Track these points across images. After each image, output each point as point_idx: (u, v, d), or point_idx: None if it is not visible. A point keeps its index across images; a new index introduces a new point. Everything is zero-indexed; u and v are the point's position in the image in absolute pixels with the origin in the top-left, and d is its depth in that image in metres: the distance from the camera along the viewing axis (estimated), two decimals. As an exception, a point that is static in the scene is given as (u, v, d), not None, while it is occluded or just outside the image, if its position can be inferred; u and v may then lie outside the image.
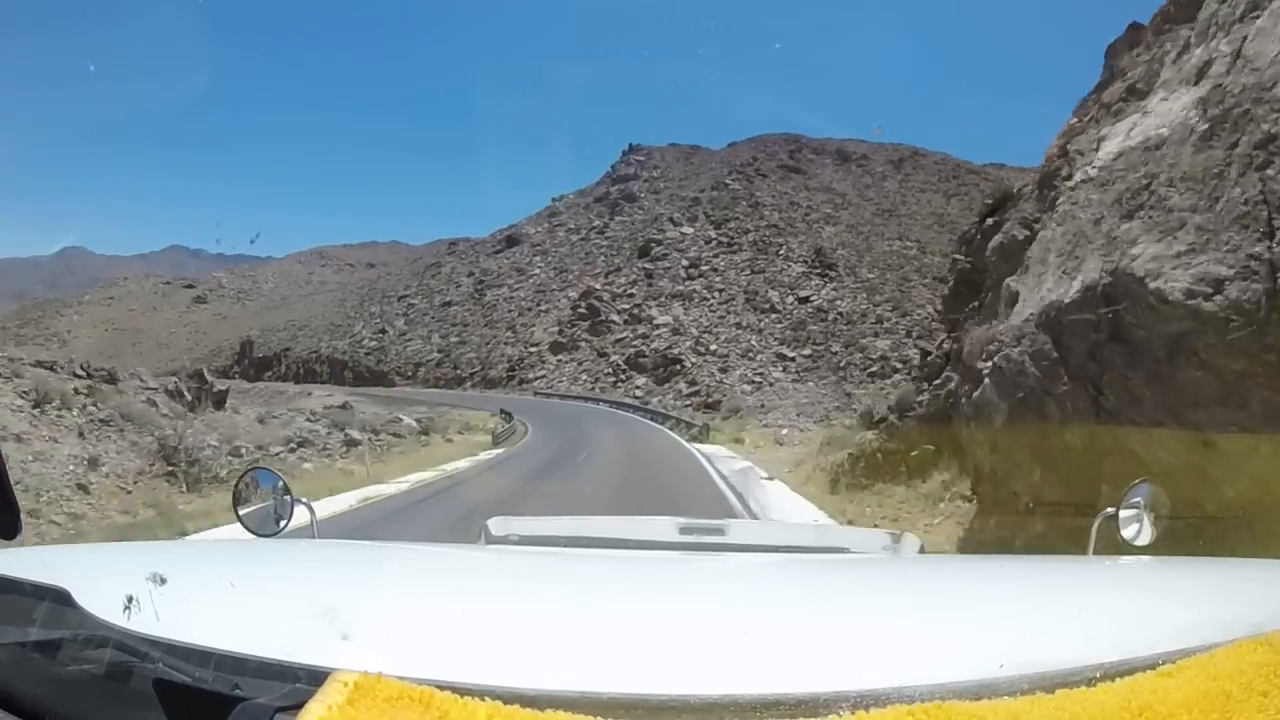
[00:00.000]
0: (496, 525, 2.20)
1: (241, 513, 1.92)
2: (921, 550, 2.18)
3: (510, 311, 78.50)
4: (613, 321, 61.76)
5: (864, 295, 59.43)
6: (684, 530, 2.18)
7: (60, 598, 0.89)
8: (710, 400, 46.81)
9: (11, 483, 1.14)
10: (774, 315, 59.22)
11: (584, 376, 57.11)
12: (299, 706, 0.67)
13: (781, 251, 67.45)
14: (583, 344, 61.66)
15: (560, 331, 64.91)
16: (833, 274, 63.06)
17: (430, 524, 11.90)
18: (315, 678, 0.72)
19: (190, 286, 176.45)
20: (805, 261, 65.46)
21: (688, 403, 46.84)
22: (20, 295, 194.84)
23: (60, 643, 0.87)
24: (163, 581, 0.98)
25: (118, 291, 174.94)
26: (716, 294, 63.24)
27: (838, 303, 58.97)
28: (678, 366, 52.51)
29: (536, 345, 66.60)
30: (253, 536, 1.89)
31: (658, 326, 58.73)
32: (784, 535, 2.66)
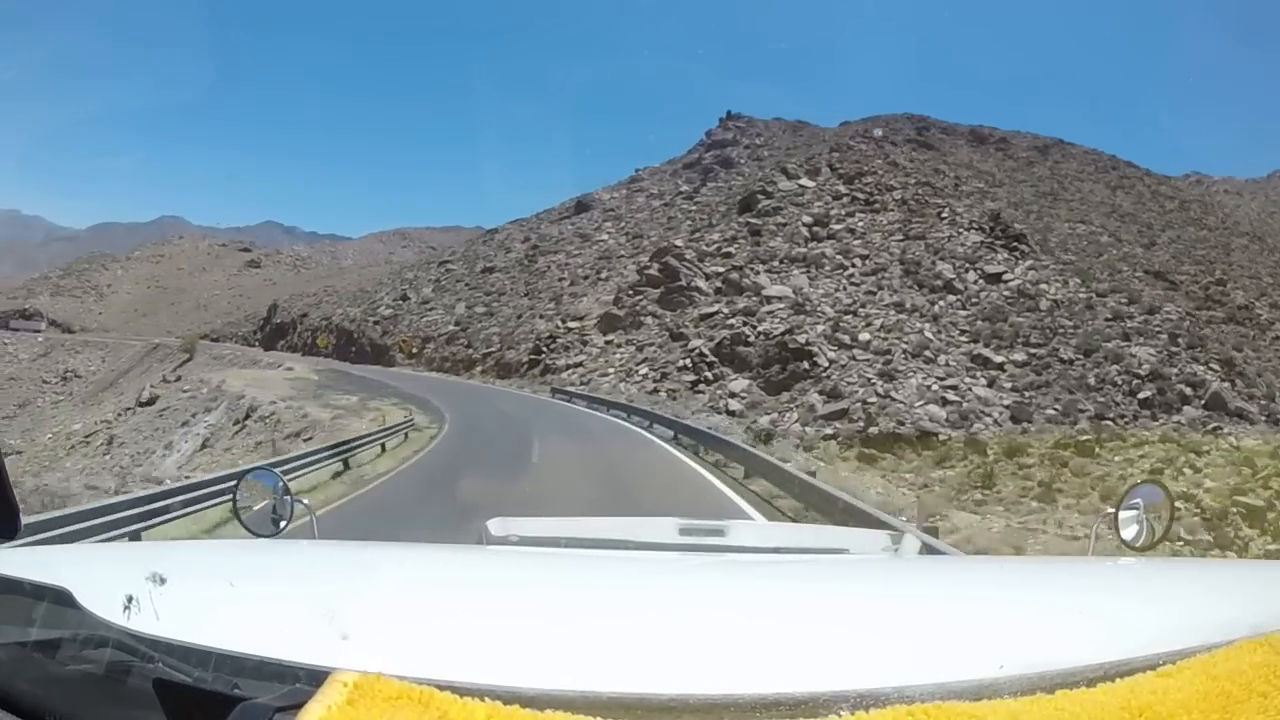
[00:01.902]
0: (496, 526, 2.15)
1: (241, 513, 2.02)
2: (922, 551, 2.26)
3: (561, 279, 63.29)
4: (697, 290, 40.48)
5: (1076, 280, 42.36)
6: (684, 531, 2.15)
7: (60, 597, 0.89)
8: (870, 429, 25.38)
9: (11, 482, 1.09)
10: (952, 296, 39.53)
11: (643, 369, 36.38)
12: (299, 706, 0.67)
13: (944, 215, 48.72)
14: (647, 319, 40.66)
15: (617, 301, 43.10)
16: (1023, 248, 45.01)
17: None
18: (315, 678, 0.72)
19: (246, 250, 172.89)
20: (980, 229, 46.62)
21: (828, 429, 26.39)
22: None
23: (60, 642, 0.88)
24: (163, 581, 0.97)
25: (170, 250, 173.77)
26: (857, 261, 43.36)
27: (1043, 286, 39.94)
28: (804, 365, 29.59)
29: (580, 320, 45.14)
30: (253, 536, 1.91)
31: (769, 300, 37.50)
32: (784, 536, 2.67)
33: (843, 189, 52.89)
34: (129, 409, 47.97)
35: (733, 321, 36.69)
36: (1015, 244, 44.88)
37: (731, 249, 45.54)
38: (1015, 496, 19.03)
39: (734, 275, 41.50)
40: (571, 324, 46.64)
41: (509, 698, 0.70)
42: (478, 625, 1.00)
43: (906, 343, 33.81)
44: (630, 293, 45.13)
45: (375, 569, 1.51)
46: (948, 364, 33.22)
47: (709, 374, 33.07)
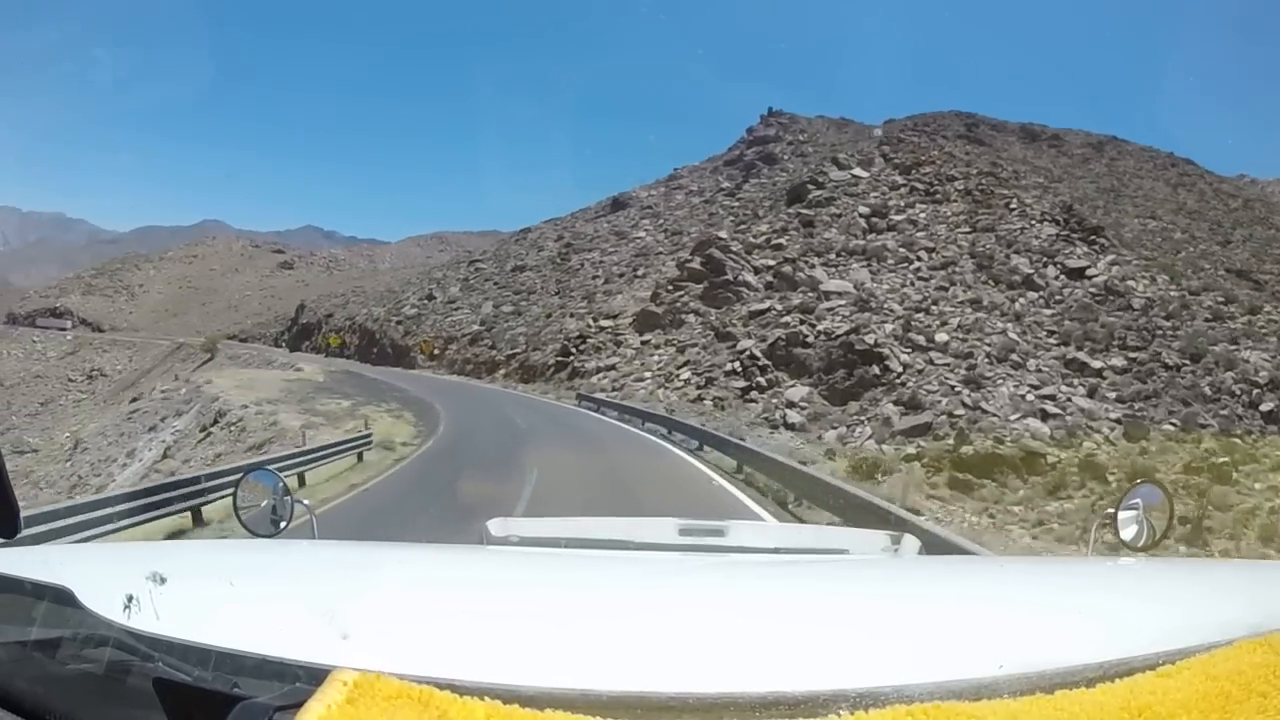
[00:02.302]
0: (496, 526, 2.16)
1: (242, 513, 1.97)
2: (921, 551, 2.17)
3: (595, 277, 59.53)
4: (745, 284, 36.09)
5: (1164, 278, 37.92)
6: (684, 531, 2.15)
7: (61, 597, 0.89)
8: (962, 448, 20.61)
9: (11, 482, 1.09)
10: (1032, 293, 35.69)
11: (685, 374, 32.05)
12: (298, 705, 0.67)
13: (1013, 206, 44.69)
14: (689, 317, 36.19)
15: (655, 298, 38.94)
16: (1102, 241, 40.94)
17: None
18: (315, 677, 0.72)
19: (279, 252, 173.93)
20: (1054, 220, 42.69)
21: (909, 446, 21.96)
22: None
23: (60, 641, 0.88)
24: (163, 581, 0.97)
25: (203, 250, 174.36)
26: (923, 254, 39.34)
27: (1130, 283, 35.96)
28: (874, 369, 25.39)
29: (614, 318, 41.00)
30: (253, 536, 1.91)
31: (828, 296, 32.57)
32: (784, 536, 2.67)
33: (899, 179, 49.05)
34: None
35: (788, 320, 31.85)
36: (1093, 237, 40.87)
37: (782, 240, 41.27)
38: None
39: (786, 269, 37.08)
40: (604, 322, 42.50)
41: (509, 697, 0.70)
42: (477, 625, 0.99)
43: (989, 344, 29.49)
44: (670, 288, 40.61)
45: (375, 569, 1.51)
46: (1039, 369, 28.93)
47: (761, 379, 28.71)
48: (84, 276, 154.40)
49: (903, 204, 45.03)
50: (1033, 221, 42.47)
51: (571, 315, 49.96)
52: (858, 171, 50.08)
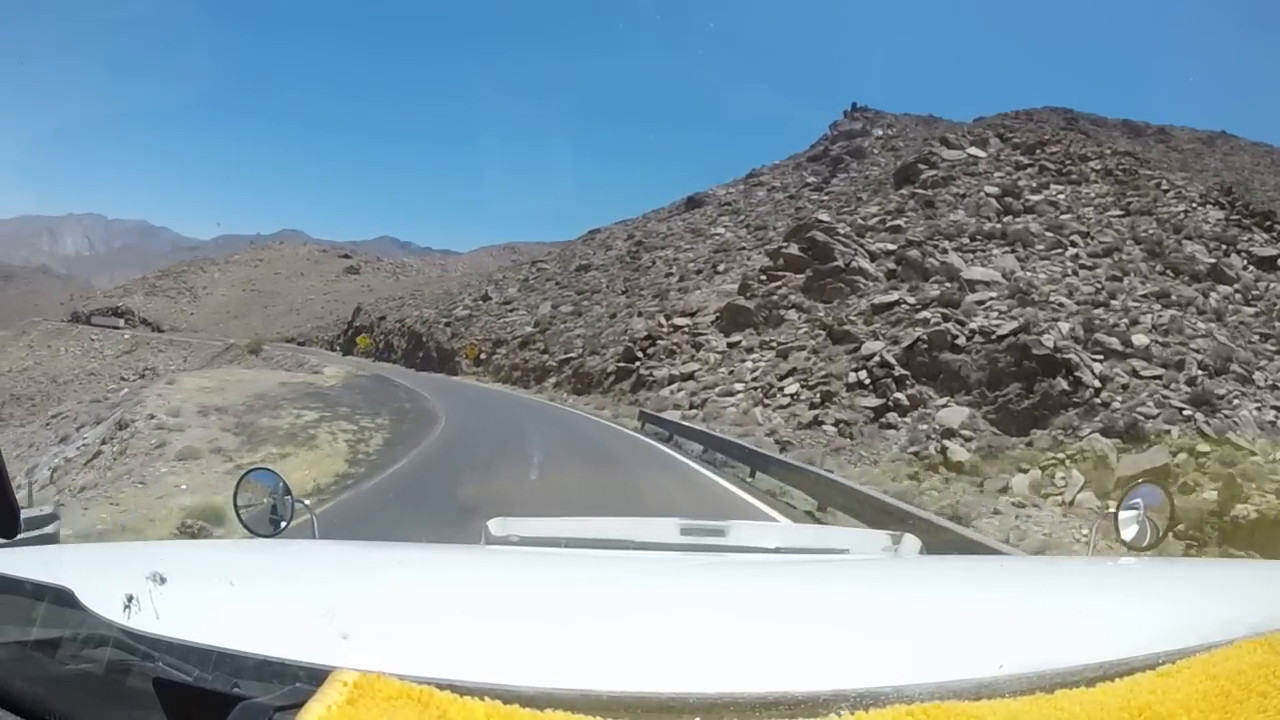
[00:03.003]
0: (496, 526, 2.16)
1: (242, 512, 1.94)
2: (922, 551, 2.16)
3: (669, 275, 51.89)
4: (861, 272, 28.94)
5: None
6: (685, 531, 2.15)
7: (61, 597, 0.89)
8: (1232, 508, 12.17)
9: (11, 481, 1.10)
10: (1224, 286, 28.36)
11: (792, 386, 24.51)
12: (299, 705, 0.67)
13: (1165, 187, 37.80)
14: (789, 313, 29.08)
15: (744, 290, 31.86)
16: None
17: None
18: (315, 677, 0.72)
19: (346, 257, 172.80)
20: (1217, 204, 35.97)
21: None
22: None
23: (61, 641, 0.88)
24: (163, 581, 0.97)
25: (269, 254, 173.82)
26: (1077, 240, 31.55)
27: None
28: (1060, 382, 17.74)
29: (691, 315, 33.83)
30: (253, 536, 1.89)
31: (973, 286, 24.73)
32: (784, 536, 2.63)
33: (1023, 159, 42.17)
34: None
35: (926, 315, 24.15)
36: (1270, 223, 34.16)
37: (899, 222, 33.70)
38: None
39: (912, 253, 29.42)
40: (679, 320, 34.64)
41: (509, 697, 0.70)
42: (478, 625, 1.00)
43: (1197, 350, 21.77)
44: (762, 278, 32.93)
45: (375, 569, 1.51)
46: (1273, 385, 21.06)
47: (900, 395, 20.92)
48: (149, 278, 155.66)
49: (1034, 184, 37.73)
50: (1194, 205, 35.50)
51: (640, 314, 42.43)
52: (974, 151, 42.82)
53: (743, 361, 27.96)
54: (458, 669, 0.76)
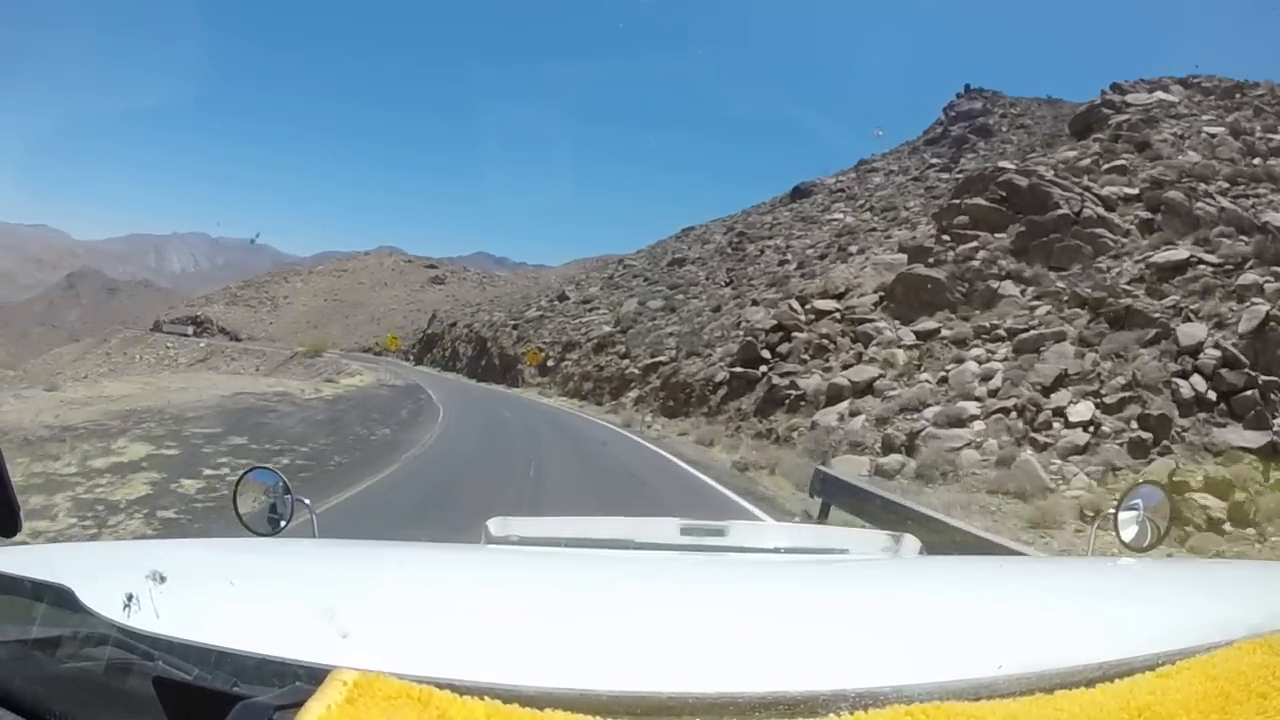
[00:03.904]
0: (496, 526, 2.12)
1: (242, 512, 1.91)
2: (921, 552, 2.14)
3: (783, 262, 42.99)
4: (1102, 223, 17.64)
5: None
6: (685, 531, 2.11)
7: (61, 596, 0.88)
8: None
9: (11, 481, 1.10)
10: None
11: (1082, 407, 13.38)
12: (298, 705, 0.67)
13: None
14: (1004, 284, 18.77)
15: (923, 257, 20.85)
16: None
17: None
18: (315, 676, 0.71)
19: (432, 267, 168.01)
20: None
21: None
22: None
23: (61, 640, 0.87)
24: (163, 580, 0.96)
25: (353, 265, 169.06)
26: None
27: None
28: None
29: (839, 298, 22.99)
30: (253, 536, 1.87)
31: None
32: (784, 537, 2.59)
33: (1225, 102, 33.60)
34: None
35: (1251, 279, 14.73)
36: None
37: (1120, 162, 23.31)
38: None
39: (1174, 196, 19.05)
40: (822, 304, 23.19)
41: (508, 696, 0.69)
42: (477, 624, 0.98)
43: None
44: (942, 239, 22.50)
45: (375, 568, 1.50)
46: None
47: None
48: (231, 288, 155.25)
49: (1261, 125, 28.02)
50: None
51: (756, 303, 32.59)
52: (1163, 95, 34.19)
53: (960, 362, 16.83)
54: (458, 669, 0.75)
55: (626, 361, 35.54)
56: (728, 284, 42.23)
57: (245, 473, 2.03)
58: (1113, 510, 1.83)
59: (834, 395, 18.54)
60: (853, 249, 37.63)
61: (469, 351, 58.87)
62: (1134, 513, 1.79)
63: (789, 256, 43.59)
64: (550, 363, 44.03)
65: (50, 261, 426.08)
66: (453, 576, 1.43)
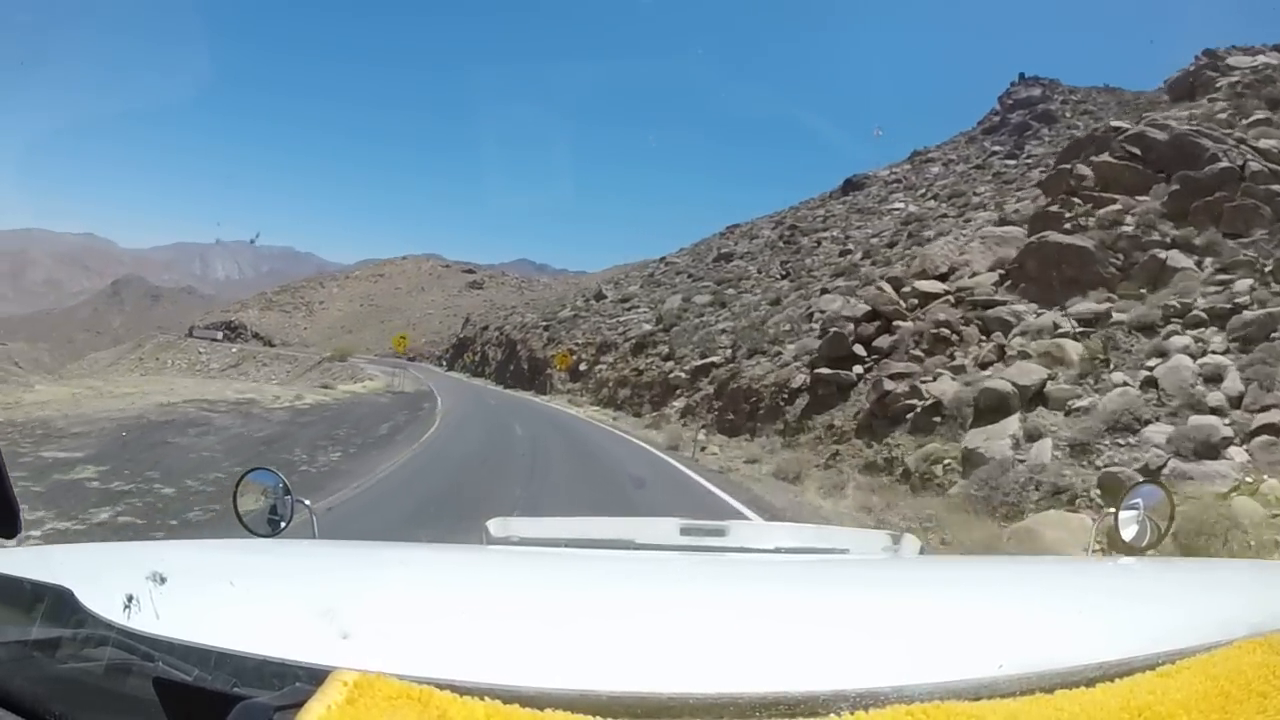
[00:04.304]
0: (496, 526, 2.11)
1: (242, 512, 1.91)
2: (922, 551, 2.12)
3: (846, 252, 38.29)
4: (1275, 178, 12.10)
5: None
6: (685, 531, 2.10)
7: (60, 596, 0.88)
8: None
9: (11, 481, 1.10)
10: None
11: None
12: (299, 705, 0.66)
13: None
14: (1172, 255, 13.15)
15: (1053, 223, 16.10)
16: None
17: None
18: (315, 677, 0.71)
19: (469, 271, 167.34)
20: None
21: None
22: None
23: (60, 641, 0.87)
24: (163, 580, 0.96)
25: (390, 269, 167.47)
26: None
27: None
28: None
29: (944, 279, 18.10)
30: (253, 536, 1.86)
31: None
32: (784, 537, 2.51)
33: None
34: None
35: None
36: None
37: (1259, 117, 18.40)
38: None
39: None
40: (925, 285, 17.94)
41: (508, 697, 0.69)
42: (478, 624, 0.98)
43: None
44: (1071, 201, 17.15)
45: (375, 568, 1.49)
46: None
47: None
48: (266, 293, 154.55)
49: None
50: None
51: (825, 292, 27.60)
52: (1268, 59, 28.35)
53: (1162, 356, 11.92)
54: (458, 669, 0.75)
55: (671, 364, 30.29)
56: (784, 276, 37.41)
57: (245, 474, 1.99)
58: (1113, 510, 1.81)
59: (990, 406, 12.69)
60: (928, 234, 33.09)
61: (498, 356, 55.67)
62: (1134, 512, 1.77)
63: (850, 246, 38.73)
64: (583, 366, 39.42)
65: (97, 269, 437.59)
66: (453, 577, 1.43)
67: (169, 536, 8.88)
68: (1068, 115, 60.52)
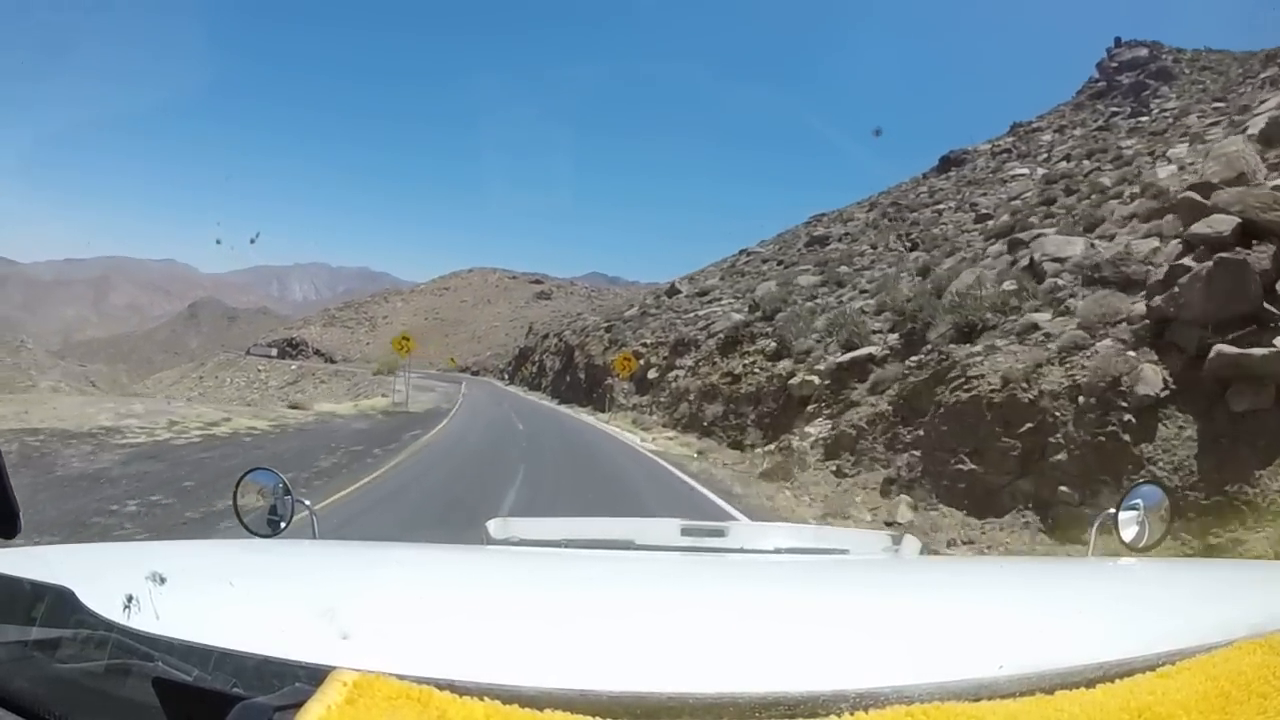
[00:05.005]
0: (496, 527, 2.10)
1: (242, 513, 1.91)
2: (922, 552, 2.10)
3: (982, 220, 31.21)
4: None
5: None
6: (685, 532, 2.08)
7: (60, 596, 0.88)
8: None
9: (11, 482, 1.10)
10: None
11: None
12: (298, 705, 0.66)
13: None
14: None
15: None
16: None
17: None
18: (315, 677, 0.71)
19: (537, 282, 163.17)
20: None
21: None
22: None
23: (60, 641, 0.87)
24: (163, 580, 0.96)
25: (456, 282, 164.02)
26: None
27: None
28: None
29: None
30: (253, 536, 1.86)
31: None
32: (785, 537, 2.45)
33: None
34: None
35: None
36: None
37: None
38: None
39: None
40: None
41: (508, 697, 0.69)
42: (477, 624, 0.98)
43: None
44: None
45: (375, 568, 1.48)
46: None
47: None
48: (330, 309, 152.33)
49: None
50: None
51: (1038, 237, 17.66)
52: None
53: None
54: (457, 669, 0.74)
55: (786, 364, 19.70)
56: (911, 247, 30.31)
57: (245, 474, 1.98)
58: (1113, 510, 1.79)
59: None
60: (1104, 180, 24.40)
61: (555, 365, 49.42)
62: (1134, 513, 1.75)
63: (991, 211, 31.60)
64: (652, 373, 30.67)
65: (178, 294, 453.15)
66: (453, 577, 1.42)
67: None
68: (1188, 72, 56.29)
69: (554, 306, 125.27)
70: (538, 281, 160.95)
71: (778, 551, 2.03)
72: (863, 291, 23.64)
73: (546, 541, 2.00)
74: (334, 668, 0.69)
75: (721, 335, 25.77)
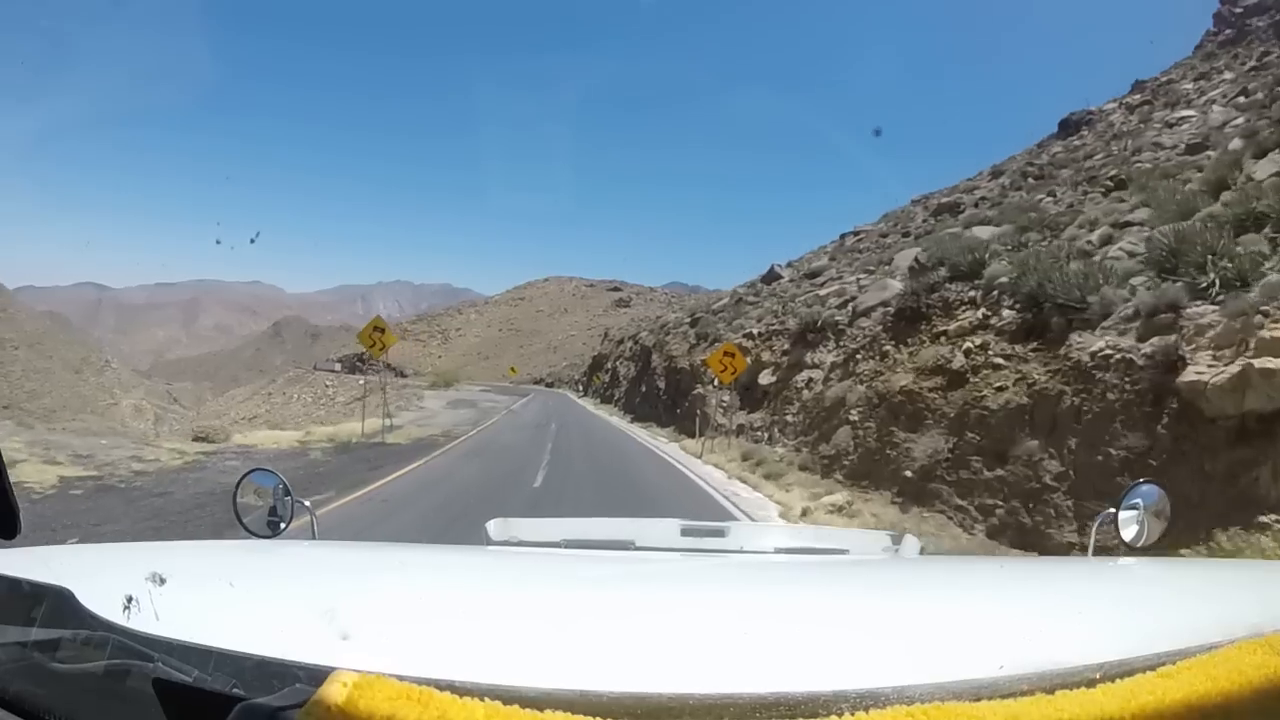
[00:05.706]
0: (496, 527, 2.13)
1: (242, 513, 1.91)
2: (922, 552, 2.13)
3: (1159, 156, 22.12)
4: None
5: None
6: (685, 532, 2.11)
7: (60, 597, 0.89)
8: None
9: (10, 482, 1.10)
10: None
11: None
12: (298, 706, 0.67)
13: None
14: None
15: None
16: None
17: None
18: (315, 677, 0.72)
19: (616, 289, 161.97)
20: None
21: None
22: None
23: (60, 642, 0.88)
24: (163, 581, 0.97)
25: (530, 292, 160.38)
26: None
27: None
28: None
29: None
30: (253, 537, 1.87)
31: None
32: (785, 537, 2.55)
33: None
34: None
35: None
36: None
37: None
38: None
39: None
40: None
41: (509, 697, 0.69)
42: (478, 625, 0.99)
43: None
44: None
45: (375, 569, 1.49)
46: None
47: None
48: (403, 323, 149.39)
49: None
50: None
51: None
52: None
53: None
54: (458, 669, 0.75)
55: (1087, 339, 9.54)
56: (1112, 188, 20.39)
57: (245, 475, 1.99)
58: (1113, 510, 1.79)
59: None
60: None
61: (629, 372, 41.72)
62: (1134, 512, 1.76)
63: (1203, 139, 22.96)
64: (766, 376, 21.02)
65: (264, 314, 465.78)
66: (453, 577, 1.44)
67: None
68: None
69: (633, 314, 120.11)
70: (616, 289, 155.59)
71: (778, 552, 2.02)
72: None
73: (547, 542, 1.99)
74: (334, 668, 0.69)
75: (889, 309, 15.72)
